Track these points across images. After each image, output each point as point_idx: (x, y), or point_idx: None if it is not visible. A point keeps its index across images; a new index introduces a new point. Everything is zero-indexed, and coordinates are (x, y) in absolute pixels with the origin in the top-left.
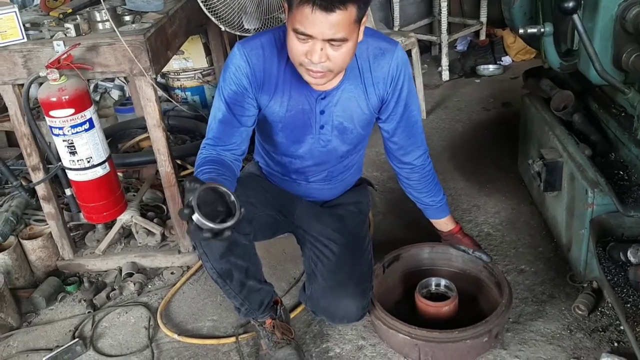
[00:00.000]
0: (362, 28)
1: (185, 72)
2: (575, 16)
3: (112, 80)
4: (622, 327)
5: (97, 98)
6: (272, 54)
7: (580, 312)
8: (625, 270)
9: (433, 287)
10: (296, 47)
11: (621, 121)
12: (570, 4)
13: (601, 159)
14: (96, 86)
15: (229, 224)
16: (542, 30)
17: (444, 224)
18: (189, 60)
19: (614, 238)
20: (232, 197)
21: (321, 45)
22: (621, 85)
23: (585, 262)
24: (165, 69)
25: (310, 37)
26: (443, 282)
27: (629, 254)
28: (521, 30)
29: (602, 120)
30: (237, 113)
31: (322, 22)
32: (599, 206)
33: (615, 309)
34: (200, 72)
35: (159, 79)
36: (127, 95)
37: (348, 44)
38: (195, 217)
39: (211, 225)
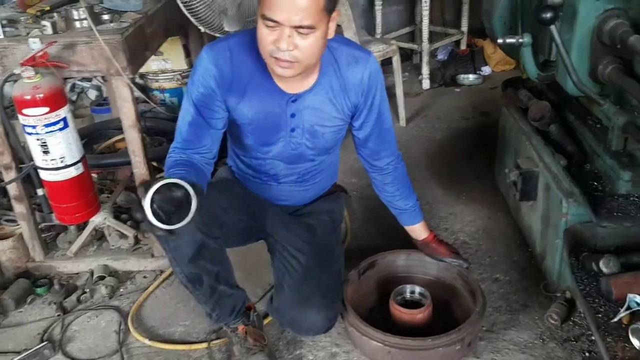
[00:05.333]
0: (332, 24)
1: (164, 73)
2: (552, 27)
3: (90, 80)
4: (593, 337)
5: (74, 98)
6: (241, 57)
7: (553, 322)
8: (598, 280)
9: (408, 294)
10: (265, 36)
11: (597, 132)
12: (548, 15)
13: (576, 169)
14: (73, 86)
15: (176, 225)
16: (520, 40)
17: (418, 230)
18: (168, 62)
19: (587, 248)
20: (188, 188)
21: (289, 33)
22: (597, 96)
23: (558, 272)
24: (144, 70)
25: (277, 24)
26: (417, 289)
27: (601, 264)
28: (500, 40)
29: (578, 131)
30: (206, 116)
31: (289, 7)
32: (573, 216)
33: (587, 319)
34: (180, 74)
35: (137, 79)
36: (104, 96)
37: (316, 34)
38: (146, 216)
39: (160, 226)
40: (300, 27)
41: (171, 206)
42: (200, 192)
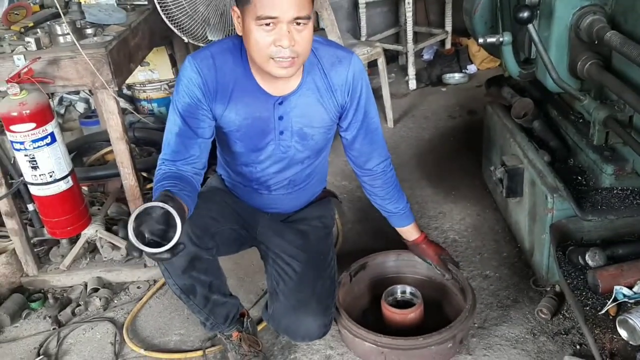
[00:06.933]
0: (312, 18)
1: (151, 83)
2: (530, 26)
3: (77, 93)
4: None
5: (62, 111)
6: (224, 64)
7: (543, 316)
8: (585, 273)
9: (399, 294)
10: (262, 39)
11: (579, 127)
12: (525, 14)
13: (560, 164)
14: (61, 99)
15: (157, 250)
16: (500, 39)
17: (408, 232)
18: (155, 72)
19: (573, 242)
20: (177, 221)
21: (287, 28)
22: (577, 92)
23: (547, 267)
24: (130, 81)
25: (276, 20)
26: (408, 289)
27: (587, 257)
28: (481, 40)
29: (561, 126)
30: (193, 125)
31: (287, 0)
32: (559, 211)
33: (575, 312)
34: (167, 84)
35: (125, 90)
36: (93, 108)
37: (309, 26)
38: (129, 234)
39: (141, 247)
40: (299, 18)
41: (155, 228)
42: (177, 206)
